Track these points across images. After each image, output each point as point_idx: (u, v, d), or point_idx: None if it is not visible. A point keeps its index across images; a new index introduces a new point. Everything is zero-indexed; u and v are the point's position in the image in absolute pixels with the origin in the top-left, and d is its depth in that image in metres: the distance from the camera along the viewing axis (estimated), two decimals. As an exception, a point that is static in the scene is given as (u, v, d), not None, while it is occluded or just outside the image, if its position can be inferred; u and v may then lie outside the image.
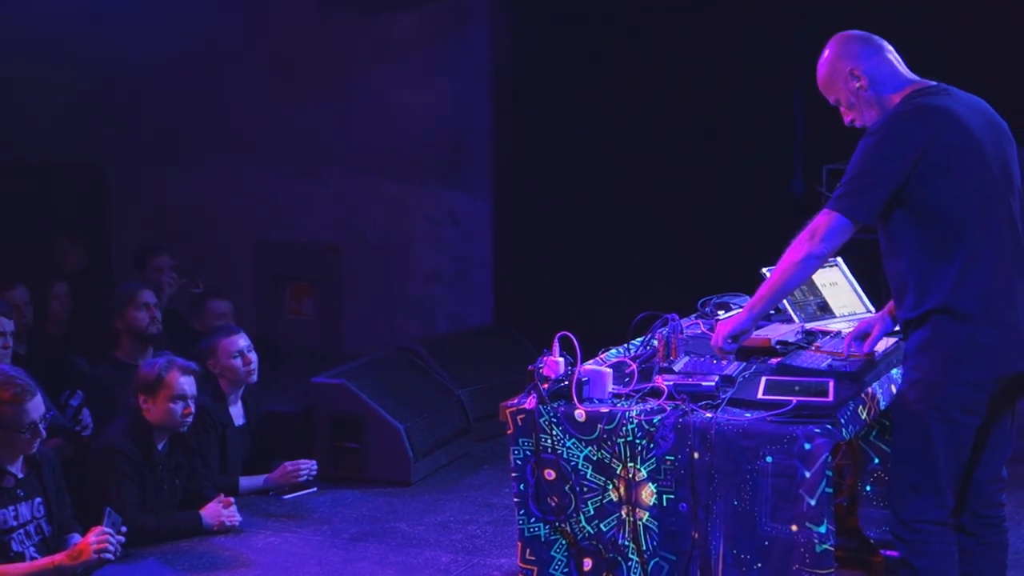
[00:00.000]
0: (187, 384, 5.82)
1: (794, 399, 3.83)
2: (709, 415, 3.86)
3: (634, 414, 3.92)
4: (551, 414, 4.01)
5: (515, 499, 4.11)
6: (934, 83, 4.05)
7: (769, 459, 3.74)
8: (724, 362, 4.23)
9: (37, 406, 5.10)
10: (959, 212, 3.86)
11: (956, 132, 3.89)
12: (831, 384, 3.91)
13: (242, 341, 6.52)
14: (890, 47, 4.13)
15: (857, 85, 4.05)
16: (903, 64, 4.11)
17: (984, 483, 4.05)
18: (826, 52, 4.16)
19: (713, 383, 4.01)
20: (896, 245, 3.97)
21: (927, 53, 4.50)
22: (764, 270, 4.64)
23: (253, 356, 6.54)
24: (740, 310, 4.53)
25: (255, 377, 6.56)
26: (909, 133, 3.87)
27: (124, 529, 5.24)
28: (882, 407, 4.16)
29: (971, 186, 3.88)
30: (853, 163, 3.95)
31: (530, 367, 4.11)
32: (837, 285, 5.01)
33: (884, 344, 4.33)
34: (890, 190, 3.87)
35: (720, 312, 4.96)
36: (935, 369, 3.87)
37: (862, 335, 4.25)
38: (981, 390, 3.87)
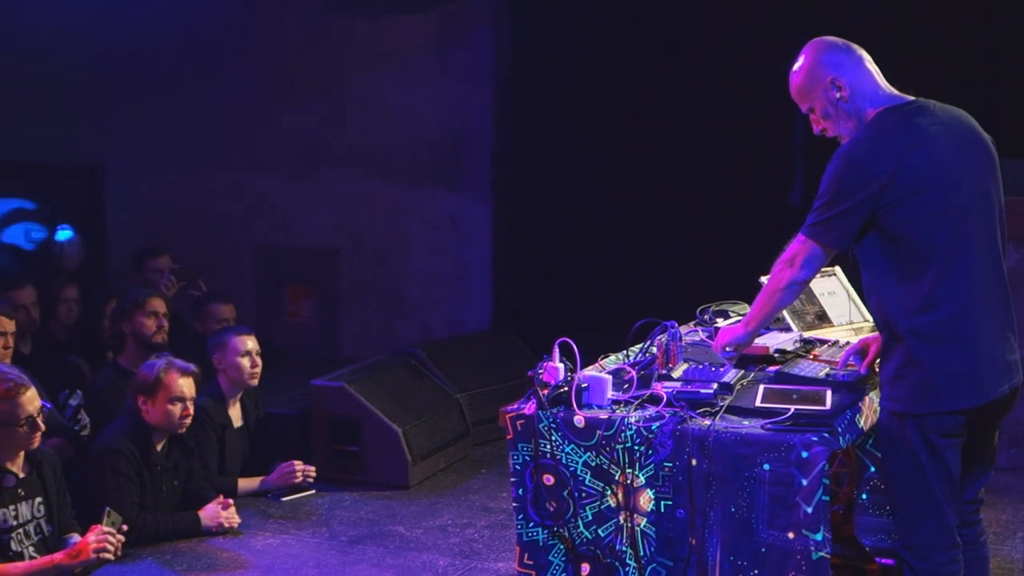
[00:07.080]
0: (185, 386, 5.85)
1: (792, 407, 3.84)
2: (707, 422, 3.87)
3: (633, 420, 3.94)
4: (550, 419, 4.03)
5: (514, 503, 4.13)
6: (910, 99, 3.94)
7: (766, 467, 3.75)
8: (723, 369, 4.25)
9: (32, 399, 5.10)
10: (926, 235, 3.77)
11: (925, 154, 3.78)
12: (828, 393, 3.93)
13: (251, 343, 6.55)
14: (868, 57, 4.00)
15: (838, 95, 3.93)
16: (881, 76, 3.99)
17: (962, 504, 3.98)
18: (803, 58, 4.01)
19: (712, 391, 4.02)
20: (867, 266, 3.91)
21: (915, 63, 4.42)
22: (762, 278, 4.66)
23: (259, 360, 6.57)
24: (740, 319, 4.54)
25: (256, 381, 6.58)
26: (878, 157, 3.77)
27: (124, 528, 5.26)
28: (878, 417, 4.17)
29: (939, 209, 3.76)
30: (825, 185, 3.85)
31: (530, 372, 4.12)
32: (835, 295, 5.05)
33: None
34: (862, 218, 3.80)
35: (719, 320, 4.97)
36: (910, 399, 3.81)
37: (861, 351, 4.21)
38: (960, 416, 3.80)
